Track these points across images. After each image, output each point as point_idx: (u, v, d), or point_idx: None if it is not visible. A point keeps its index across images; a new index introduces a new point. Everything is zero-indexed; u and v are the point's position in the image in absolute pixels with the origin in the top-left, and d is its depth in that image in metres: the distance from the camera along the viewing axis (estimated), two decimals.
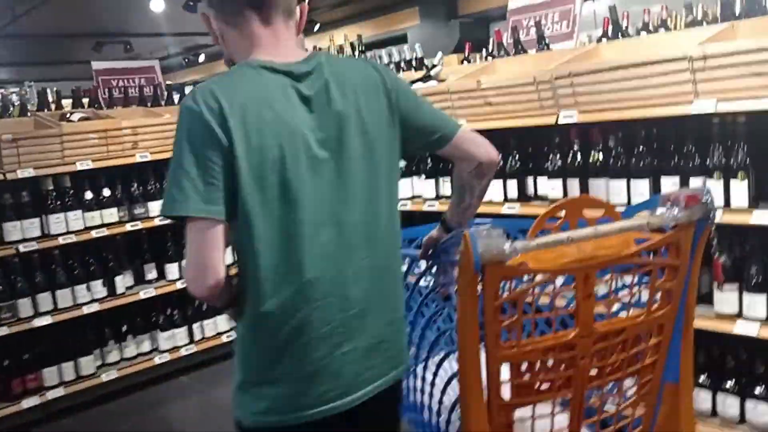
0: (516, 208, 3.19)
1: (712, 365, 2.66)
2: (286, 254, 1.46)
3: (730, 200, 2.46)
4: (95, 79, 4.63)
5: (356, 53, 4.71)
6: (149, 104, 4.63)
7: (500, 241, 1.36)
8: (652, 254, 1.59)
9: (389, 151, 1.61)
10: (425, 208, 3.61)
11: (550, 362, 1.52)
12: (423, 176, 3.66)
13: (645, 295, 1.61)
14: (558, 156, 3.04)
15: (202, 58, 12.26)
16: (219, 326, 4.59)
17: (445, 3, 9.65)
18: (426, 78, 3.71)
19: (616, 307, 1.72)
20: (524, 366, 1.53)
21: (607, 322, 1.55)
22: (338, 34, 8.81)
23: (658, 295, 1.60)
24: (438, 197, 3.63)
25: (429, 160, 3.63)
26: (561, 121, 2.94)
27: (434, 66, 3.78)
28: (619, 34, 3.35)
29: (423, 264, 2.12)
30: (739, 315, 2.51)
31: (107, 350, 4.18)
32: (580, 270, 1.46)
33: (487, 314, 1.42)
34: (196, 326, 4.49)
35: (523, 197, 3.22)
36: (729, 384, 2.57)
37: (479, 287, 1.40)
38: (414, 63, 4.28)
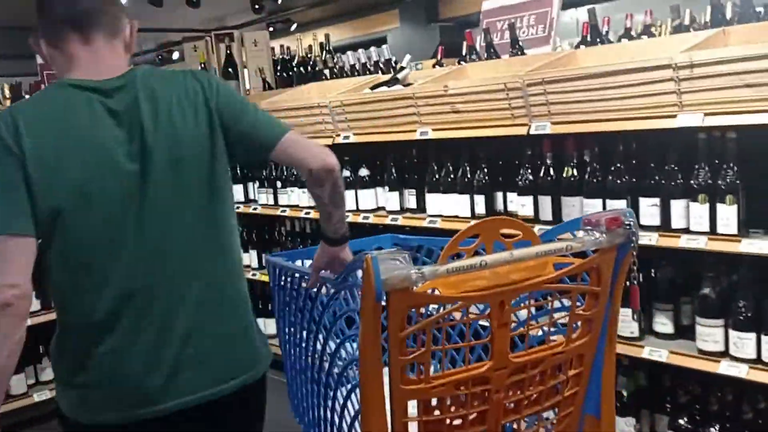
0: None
1: (693, 407, 2.40)
2: (89, 270, 1.49)
3: (717, 226, 2.20)
4: (39, 73, 4.30)
5: (324, 54, 4.43)
6: None
7: (406, 266, 1.29)
8: (574, 280, 1.55)
9: (209, 161, 1.59)
10: (388, 221, 3.33)
11: (463, 397, 1.45)
12: (386, 188, 3.38)
13: (564, 324, 1.56)
14: (529, 170, 2.78)
15: (176, 55, 11.91)
16: None
17: (425, 6, 9.41)
18: (392, 81, 3.43)
19: (537, 333, 1.70)
20: (434, 401, 1.45)
21: (524, 353, 1.48)
22: (320, 34, 8.54)
23: (579, 324, 1.55)
24: (402, 210, 3.35)
25: (393, 171, 3.35)
26: (533, 132, 2.67)
27: (401, 69, 3.51)
28: (599, 40, 3.09)
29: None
30: (725, 354, 2.25)
31: (41, 367, 3.85)
32: (494, 297, 1.40)
33: (392, 346, 1.33)
34: None
35: (491, 214, 2.95)
36: (713, 430, 2.31)
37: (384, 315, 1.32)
38: (382, 66, 4.01)
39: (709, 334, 2.26)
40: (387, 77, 3.57)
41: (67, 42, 1.53)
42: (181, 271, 1.55)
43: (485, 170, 2.95)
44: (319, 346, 1.85)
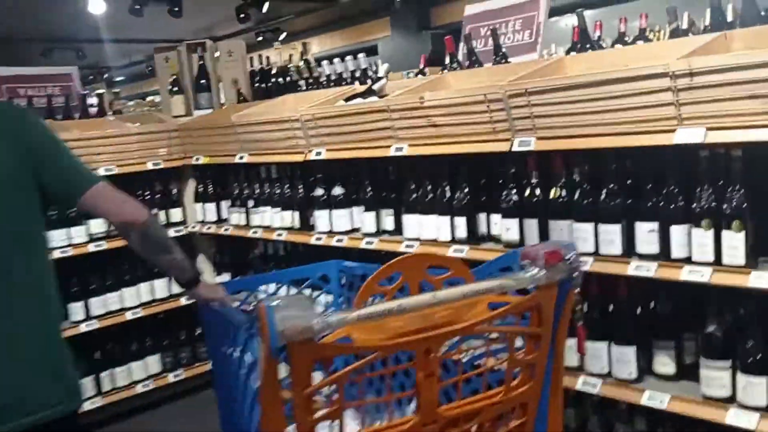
0: (464, 251, 2.65)
1: None
2: None
3: (722, 256, 1.94)
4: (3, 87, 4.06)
5: (301, 64, 4.19)
6: (59, 116, 4.06)
7: (306, 314, 1.18)
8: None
9: (15, 200, 1.62)
10: (363, 245, 3.07)
11: None
12: (362, 207, 3.12)
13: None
14: (514, 190, 2.52)
15: None
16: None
17: (417, 14, 9.17)
18: (367, 93, 3.18)
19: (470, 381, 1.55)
20: None
21: (455, 405, 1.37)
22: (310, 43, 8.30)
23: (519, 370, 1.46)
24: (379, 232, 3.09)
25: (369, 189, 3.09)
26: (516, 148, 2.41)
27: (378, 79, 3.25)
28: (589, 46, 2.84)
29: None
30: (732, 400, 1.99)
31: None
32: (418, 343, 1.27)
33: (297, 405, 1.21)
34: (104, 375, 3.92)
35: (473, 238, 2.69)
36: None
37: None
38: (359, 76, 3.76)
39: (715, 377, 1.99)
40: (363, 88, 3.32)
41: None
42: None
43: (466, 190, 2.69)
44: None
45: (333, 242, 3.19)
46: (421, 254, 1.50)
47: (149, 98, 4.69)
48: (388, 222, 3.05)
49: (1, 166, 1.60)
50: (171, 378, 4.13)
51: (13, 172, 1.62)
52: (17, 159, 1.62)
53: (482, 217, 2.71)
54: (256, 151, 3.55)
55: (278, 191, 3.52)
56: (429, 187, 2.82)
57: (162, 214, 4.13)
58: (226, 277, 4.07)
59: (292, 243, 3.53)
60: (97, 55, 10.13)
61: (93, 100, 4.32)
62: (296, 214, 3.41)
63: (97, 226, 3.84)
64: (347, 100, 3.22)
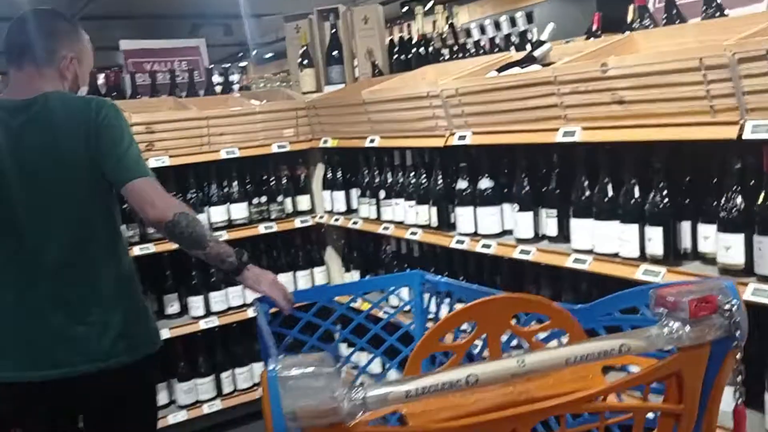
0: (660, 274, 1.94)
1: None
2: None
3: None
4: (124, 62, 3.81)
5: (445, 30, 3.56)
6: (183, 93, 3.74)
7: (327, 390, 0.86)
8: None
9: (78, 180, 1.83)
10: (516, 253, 2.43)
11: None
12: (516, 206, 2.48)
13: None
14: (739, 194, 1.78)
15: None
16: (255, 376, 3.65)
17: None
18: (526, 61, 2.51)
19: None
20: None
21: None
22: (461, 12, 7.64)
23: None
24: (537, 238, 2.44)
25: (526, 183, 2.44)
26: (749, 135, 1.67)
27: (539, 44, 2.57)
28: None
29: None
30: None
31: None
32: (500, 425, 0.96)
33: None
34: (225, 376, 3.58)
35: (673, 255, 1.97)
36: None
37: None
38: (514, 40, 3.08)
39: None
40: (521, 55, 2.65)
41: (11, 68, 1.89)
42: (49, 274, 1.84)
43: (664, 191, 1.97)
44: None
45: (478, 247, 2.58)
46: (507, 297, 1.15)
47: (281, 74, 4.29)
48: (550, 226, 2.39)
49: (71, 151, 1.82)
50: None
51: (79, 156, 1.82)
52: (83, 145, 1.81)
53: (685, 227, 1.99)
54: (389, 133, 3.00)
55: (413, 181, 2.95)
56: (608, 184, 2.13)
57: (288, 202, 3.72)
58: (355, 274, 3.59)
59: (427, 244, 2.95)
60: (244, 32, 10.04)
61: (217, 78, 3.95)
62: (433, 209, 2.83)
63: (218, 214, 3.49)
64: (500, 70, 2.57)
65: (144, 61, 3.82)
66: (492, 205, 2.58)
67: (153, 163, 3.21)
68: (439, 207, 2.82)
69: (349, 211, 3.55)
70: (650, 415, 1.20)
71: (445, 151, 2.73)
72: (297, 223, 3.68)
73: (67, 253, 1.83)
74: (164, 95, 3.68)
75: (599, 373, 1.17)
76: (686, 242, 1.99)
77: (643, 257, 2.02)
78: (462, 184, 2.67)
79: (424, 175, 2.91)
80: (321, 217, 3.70)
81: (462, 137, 2.58)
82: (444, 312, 2.03)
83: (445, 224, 2.81)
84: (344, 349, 3.44)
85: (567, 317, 1.20)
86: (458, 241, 2.67)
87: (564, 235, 2.35)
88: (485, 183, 2.60)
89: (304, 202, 3.78)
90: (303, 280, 3.74)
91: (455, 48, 3.32)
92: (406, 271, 3.17)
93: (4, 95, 1.89)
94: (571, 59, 2.25)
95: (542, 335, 1.49)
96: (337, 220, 3.55)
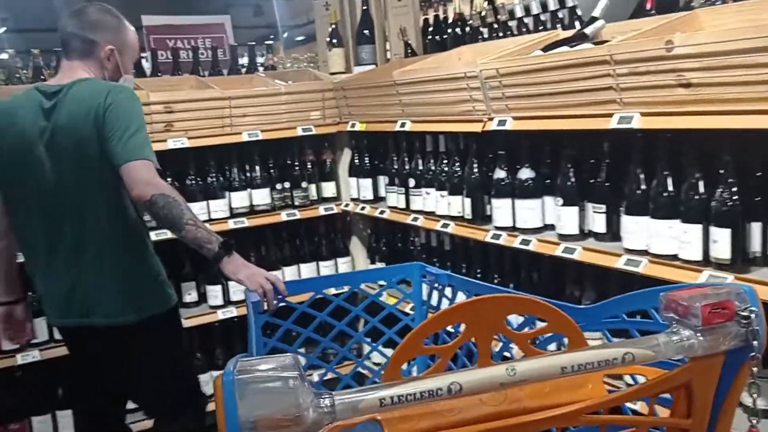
0: (725, 282, 1.71)
1: None
2: (23, 219, 2.12)
3: None
4: (146, 38, 3.64)
5: (483, 6, 3.33)
6: (206, 72, 3.56)
7: (290, 397, 0.77)
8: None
9: (90, 159, 1.99)
10: (559, 251, 2.20)
11: None
12: (559, 199, 2.25)
13: None
14: None
15: None
16: None
17: None
18: (576, 39, 2.28)
19: None
20: None
21: None
22: None
23: None
24: (583, 234, 2.22)
25: (571, 175, 2.22)
26: None
27: (592, 21, 2.33)
28: None
29: None
30: None
31: None
32: None
33: None
34: None
35: (741, 260, 1.74)
36: None
37: None
38: (563, 17, 2.84)
39: None
40: (569, 34, 2.42)
41: (62, 56, 2.14)
42: (72, 240, 2.07)
43: (733, 187, 1.73)
44: None
45: (516, 243, 2.36)
46: (498, 297, 1.03)
47: (308, 54, 4.10)
48: (598, 222, 2.16)
49: (83, 133, 1.98)
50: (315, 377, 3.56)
51: (89, 138, 1.97)
52: (91, 127, 1.97)
53: (755, 229, 1.76)
54: (421, 117, 2.79)
55: (446, 170, 2.74)
56: (668, 178, 1.89)
57: (313, 189, 3.53)
58: (380, 267, 3.39)
59: (459, 237, 2.74)
60: (274, 14, 9.87)
61: (243, 58, 3.77)
62: (467, 200, 2.61)
63: (240, 199, 3.32)
64: (546, 49, 2.34)
65: (166, 37, 3.66)
66: (533, 198, 2.36)
67: (171, 144, 3.05)
68: (474, 198, 2.60)
69: (377, 199, 3.35)
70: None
71: (483, 137, 2.51)
72: (321, 210, 3.49)
73: (77, 227, 2.04)
74: (186, 74, 3.50)
75: (600, 381, 1.11)
76: (756, 246, 1.75)
77: (707, 261, 1.79)
78: (500, 173, 2.45)
79: (458, 163, 2.69)
80: (346, 205, 3.51)
81: (502, 122, 2.36)
82: (445, 306, 2.00)
83: (480, 217, 2.59)
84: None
85: (566, 321, 1.09)
86: (494, 236, 2.46)
87: (613, 233, 2.13)
88: (525, 173, 2.37)
89: (329, 188, 3.59)
90: (326, 270, 3.56)
91: (495, 27, 3.08)
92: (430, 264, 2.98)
93: (51, 81, 2.14)
94: (625, 38, 2.01)
95: (542, 337, 1.42)
96: (363, 208, 3.35)
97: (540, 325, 1.19)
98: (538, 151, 2.40)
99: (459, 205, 2.66)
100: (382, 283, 2.21)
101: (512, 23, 3.07)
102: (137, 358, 2.20)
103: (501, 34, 3.12)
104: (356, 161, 3.43)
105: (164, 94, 3.06)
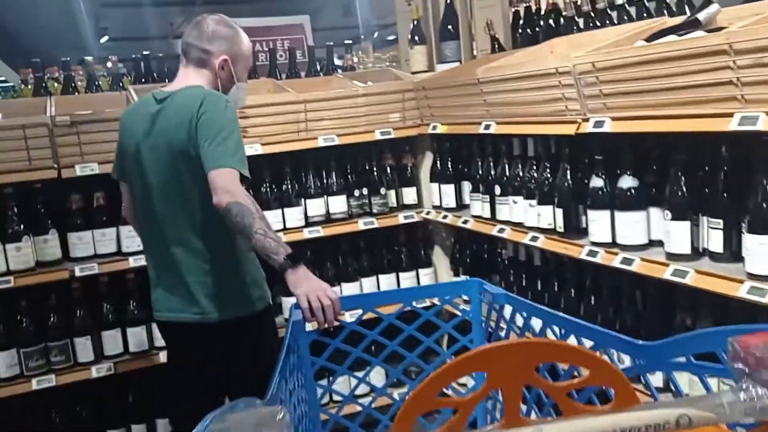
0: None
1: None
2: (138, 213, 2.27)
3: None
4: None
5: None
6: (282, 75, 3.44)
7: None
8: None
9: (185, 164, 2.06)
10: (668, 274, 1.90)
11: None
12: (667, 212, 1.95)
13: None
14: None
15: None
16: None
17: None
18: (687, 26, 1.96)
19: None
20: None
21: None
22: None
23: None
24: (696, 253, 1.90)
25: (682, 185, 1.91)
26: None
27: (705, 4, 2.01)
28: None
29: None
30: None
31: None
32: None
33: None
34: None
35: None
36: None
37: None
38: (670, 2, 2.51)
39: None
40: (676, 21, 2.10)
41: (180, 65, 2.25)
42: (172, 241, 2.18)
43: None
44: None
45: (615, 262, 2.07)
46: (528, 343, 0.90)
47: (390, 53, 3.91)
48: (714, 239, 1.84)
49: (179, 138, 2.05)
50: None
51: (184, 144, 2.04)
52: (185, 134, 2.03)
53: None
54: (508, 118, 2.53)
55: (535, 176, 2.47)
56: None
57: (392, 195, 3.34)
58: (438, 283, 3.17)
59: (550, 252, 2.46)
60: (360, 14, 9.77)
61: (322, 58, 3.62)
62: (559, 211, 2.34)
63: (315, 207, 3.17)
64: (650, 39, 2.04)
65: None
66: (635, 210, 2.06)
67: (246, 151, 2.93)
68: (567, 208, 2.32)
69: (460, 206, 3.12)
70: None
71: (577, 140, 2.23)
72: (401, 218, 3.29)
73: (172, 227, 2.14)
74: (264, 77, 3.39)
75: None
76: None
77: None
78: (597, 181, 2.16)
79: (549, 170, 2.42)
80: (428, 213, 3.29)
81: (599, 123, 2.07)
82: (503, 329, 1.82)
83: (574, 230, 2.31)
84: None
85: (611, 372, 0.98)
86: (589, 253, 2.17)
87: (732, 253, 1.81)
88: (627, 181, 2.08)
89: (409, 195, 3.39)
90: (407, 282, 3.36)
91: (592, 16, 2.78)
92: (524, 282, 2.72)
93: (168, 87, 2.22)
94: (747, 23, 1.69)
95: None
96: (445, 217, 3.13)
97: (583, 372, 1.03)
98: (642, 157, 2.09)
99: (550, 216, 2.38)
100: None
101: (612, 13, 2.75)
102: (230, 357, 2.22)
103: (599, 24, 2.81)
104: (438, 166, 3.21)
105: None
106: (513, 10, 3.48)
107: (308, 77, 3.50)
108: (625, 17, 2.61)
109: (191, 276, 2.16)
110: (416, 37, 3.52)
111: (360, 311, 2.01)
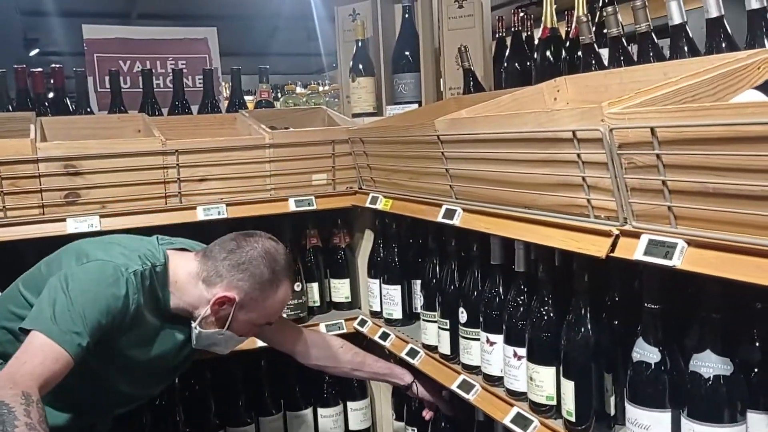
0: None
1: None
2: None
3: None
4: (86, 57, 2.50)
5: (585, 15, 2.03)
6: (164, 109, 2.39)
7: None
8: None
9: None
10: None
11: None
12: None
13: None
14: None
15: None
16: None
17: None
18: None
19: None
20: None
21: None
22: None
23: None
24: None
25: None
26: None
27: None
28: None
29: None
30: None
31: None
32: None
33: None
34: None
35: None
36: None
37: None
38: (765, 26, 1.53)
39: None
40: None
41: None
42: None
43: None
44: None
45: None
46: None
47: (333, 85, 2.93)
48: None
49: None
50: None
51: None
52: None
53: None
54: (482, 204, 1.51)
55: (524, 308, 1.43)
56: None
57: (314, 289, 2.30)
58: None
59: None
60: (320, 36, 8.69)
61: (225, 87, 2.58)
62: (569, 384, 1.30)
63: None
64: (764, 88, 1.03)
65: (115, 56, 2.50)
66: None
67: (71, 226, 1.87)
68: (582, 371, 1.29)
69: (410, 317, 2.08)
70: None
71: (610, 264, 1.21)
72: (322, 328, 2.23)
73: None
74: (134, 111, 2.34)
75: None
76: None
77: None
78: (645, 350, 1.14)
79: (551, 300, 1.39)
80: (362, 323, 2.24)
81: (658, 246, 1.05)
82: None
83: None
84: None
85: None
86: None
87: None
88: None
89: (341, 289, 2.34)
90: (329, 422, 2.30)
91: (620, 47, 1.76)
92: None
93: None
94: None
95: None
96: (386, 336, 2.07)
97: None
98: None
99: (551, 382, 1.35)
100: None
101: (651, 43, 1.74)
102: None
103: (622, 59, 1.79)
104: (378, 255, 2.17)
105: (68, 146, 1.89)
106: (497, 36, 2.50)
107: (202, 113, 2.45)
108: (681, 50, 1.59)
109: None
110: (360, 66, 2.50)
111: None
